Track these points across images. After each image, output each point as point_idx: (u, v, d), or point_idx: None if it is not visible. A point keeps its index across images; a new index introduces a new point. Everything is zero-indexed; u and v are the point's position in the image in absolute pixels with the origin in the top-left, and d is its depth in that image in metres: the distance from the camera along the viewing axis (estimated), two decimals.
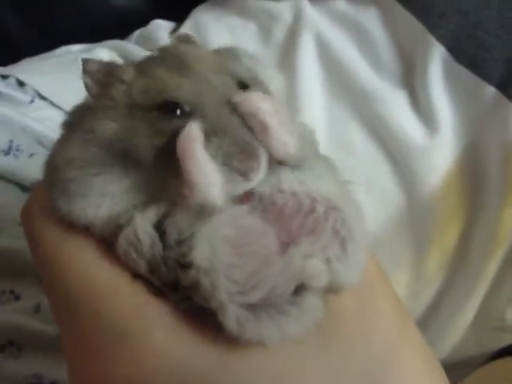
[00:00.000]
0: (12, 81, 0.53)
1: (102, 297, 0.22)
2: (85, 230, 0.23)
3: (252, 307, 0.20)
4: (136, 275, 0.22)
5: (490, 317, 0.52)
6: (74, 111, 0.25)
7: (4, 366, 0.41)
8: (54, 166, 0.23)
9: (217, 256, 0.21)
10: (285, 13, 0.58)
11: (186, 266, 0.21)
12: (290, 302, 0.21)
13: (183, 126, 0.21)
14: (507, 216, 0.49)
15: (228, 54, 0.26)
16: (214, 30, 0.59)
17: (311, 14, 0.56)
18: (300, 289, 0.21)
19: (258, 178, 0.22)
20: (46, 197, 0.24)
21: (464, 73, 0.51)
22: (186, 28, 0.61)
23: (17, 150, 0.49)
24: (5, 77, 0.54)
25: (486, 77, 0.50)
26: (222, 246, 0.21)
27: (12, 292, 0.44)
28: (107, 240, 0.23)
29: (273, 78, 0.26)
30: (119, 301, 0.22)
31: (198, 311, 0.21)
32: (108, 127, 0.22)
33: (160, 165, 0.22)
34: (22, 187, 0.48)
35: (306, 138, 0.25)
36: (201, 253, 0.21)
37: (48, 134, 0.50)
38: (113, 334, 0.22)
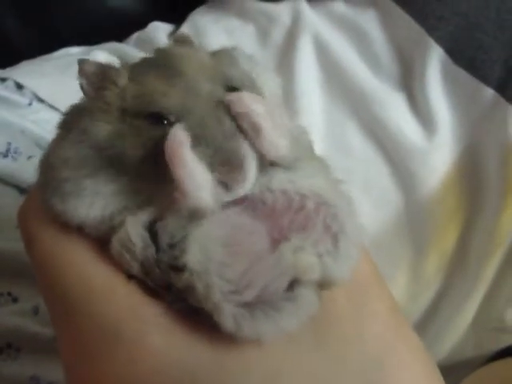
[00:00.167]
0: (10, 83, 0.53)
1: (98, 297, 0.22)
2: (79, 230, 0.23)
3: (247, 305, 0.20)
4: (130, 275, 0.22)
5: (489, 318, 0.52)
6: (70, 111, 0.25)
7: (2, 368, 0.41)
8: (49, 164, 0.23)
9: (209, 258, 0.21)
10: (283, 15, 0.57)
11: (179, 268, 0.21)
12: (284, 297, 0.21)
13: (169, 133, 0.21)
14: (506, 217, 0.49)
15: (224, 57, 0.26)
16: (212, 32, 0.59)
17: (310, 16, 0.56)
18: (294, 284, 0.21)
19: (245, 188, 0.21)
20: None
21: (462, 75, 0.51)
22: (185, 30, 0.61)
23: (15, 153, 0.49)
24: (3, 79, 0.54)
25: (484, 79, 0.50)
26: (213, 248, 0.21)
27: (10, 294, 0.44)
28: (101, 240, 0.23)
29: (269, 80, 0.26)
30: (115, 301, 0.22)
31: (192, 311, 0.21)
32: (102, 129, 0.22)
33: (150, 169, 0.22)
34: (20, 190, 0.48)
35: (300, 138, 0.25)
36: (193, 256, 0.21)
37: (46, 136, 0.50)
38: (109, 334, 0.22)
